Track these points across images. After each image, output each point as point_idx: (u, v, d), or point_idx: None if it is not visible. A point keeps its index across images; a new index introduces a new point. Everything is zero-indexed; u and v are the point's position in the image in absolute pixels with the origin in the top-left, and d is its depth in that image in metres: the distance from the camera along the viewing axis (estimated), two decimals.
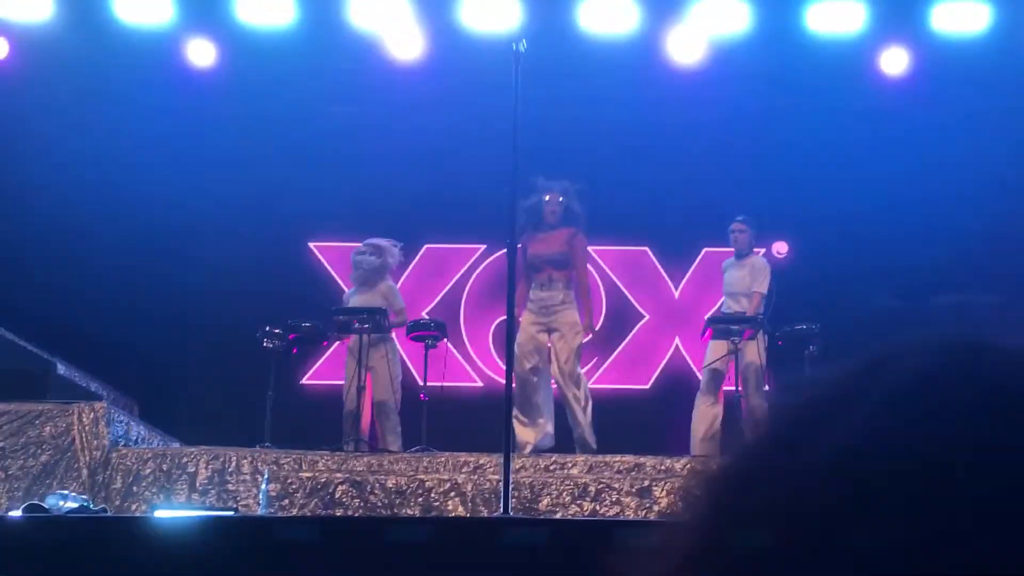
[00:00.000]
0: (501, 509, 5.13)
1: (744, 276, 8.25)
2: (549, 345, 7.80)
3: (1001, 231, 9.65)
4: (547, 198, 7.92)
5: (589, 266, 8.57)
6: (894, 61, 9.97)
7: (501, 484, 5.32)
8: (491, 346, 10.13)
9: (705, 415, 7.97)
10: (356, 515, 6.24)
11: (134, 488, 6.79)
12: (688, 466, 6.81)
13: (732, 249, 8.45)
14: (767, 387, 7.91)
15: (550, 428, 7.74)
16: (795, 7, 9.77)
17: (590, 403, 7.77)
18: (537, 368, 7.76)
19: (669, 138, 10.21)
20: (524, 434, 7.63)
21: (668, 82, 10.09)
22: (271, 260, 9.90)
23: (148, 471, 6.86)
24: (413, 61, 10.05)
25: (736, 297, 8.25)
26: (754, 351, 7.81)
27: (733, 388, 7.94)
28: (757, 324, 7.87)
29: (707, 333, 8.11)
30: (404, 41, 9.98)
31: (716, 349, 7.98)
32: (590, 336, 7.95)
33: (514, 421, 7.39)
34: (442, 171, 10.20)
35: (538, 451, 7.45)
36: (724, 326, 7.90)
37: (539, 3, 9.74)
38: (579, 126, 10.11)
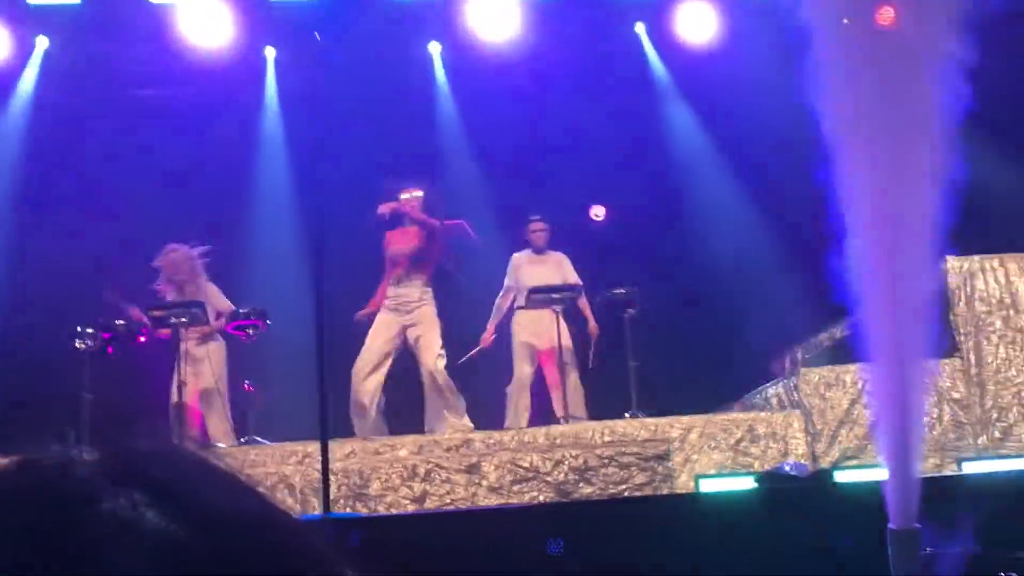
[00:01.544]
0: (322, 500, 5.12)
1: (548, 271, 8.36)
2: (401, 343, 7.82)
3: (803, 185, 10.05)
4: (404, 196, 7.92)
5: None
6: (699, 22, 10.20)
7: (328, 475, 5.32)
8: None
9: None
10: None
11: None
12: (516, 438, 6.91)
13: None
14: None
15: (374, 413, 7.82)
16: None
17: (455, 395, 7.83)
18: (376, 361, 7.79)
19: (480, 106, 10.26)
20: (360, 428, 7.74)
21: (475, 52, 10.13)
22: (80, 255, 9.49)
23: None
24: (220, 43, 9.79)
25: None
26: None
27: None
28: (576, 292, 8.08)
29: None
30: (205, 21, 9.70)
31: (537, 320, 8.16)
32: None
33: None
34: (251, 152, 10.05)
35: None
36: (545, 296, 8.02)
37: None
38: (389, 100, 10.07)
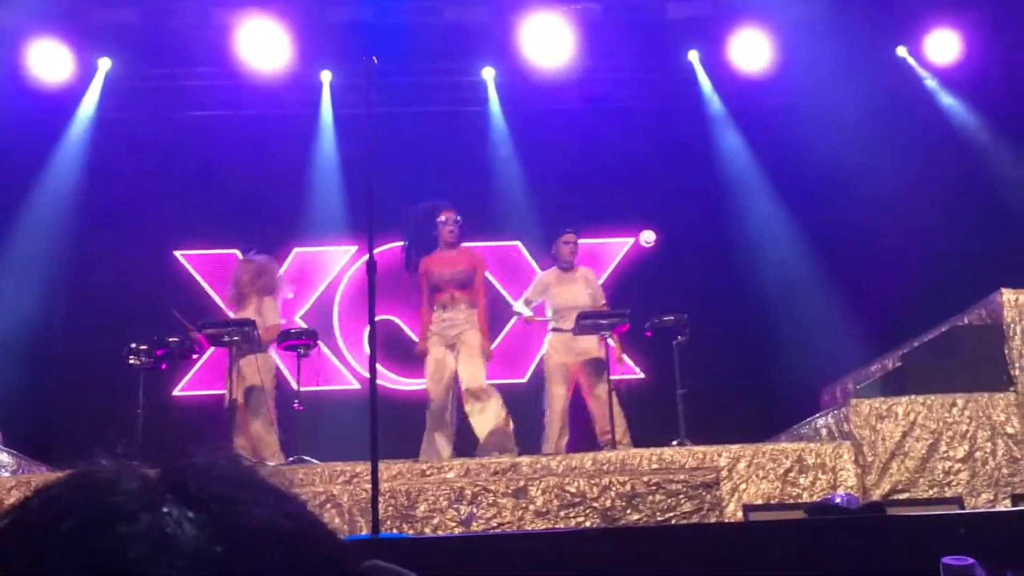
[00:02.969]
0: (371, 520, 5.14)
1: (578, 290, 8.29)
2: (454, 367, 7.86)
3: (856, 214, 10.01)
4: (443, 217, 7.95)
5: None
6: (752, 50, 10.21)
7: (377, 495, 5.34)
8: (366, 347, 10.09)
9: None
10: None
11: None
12: (563, 463, 6.90)
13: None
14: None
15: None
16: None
17: (501, 412, 7.74)
18: (445, 398, 7.83)
19: (533, 132, 10.34)
20: (441, 447, 7.77)
21: (529, 77, 10.20)
22: (135, 271, 9.66)
23: (13, 500, 6.64)
24: (275, 65, 9.94)
25: (568, 311, 8.15)
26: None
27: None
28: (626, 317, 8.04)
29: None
30: (264, 45, 9.86)
31: (572, 339, 8.14)
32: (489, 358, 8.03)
33: (433, 435, 7.72)
34: (306, 173, 10.17)
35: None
36: (593, 321, 8.00)
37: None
38: (442, 124, 10.16)
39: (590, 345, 8.10)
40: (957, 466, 6.83)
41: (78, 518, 0.66)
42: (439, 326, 7.87)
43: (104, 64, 10.05)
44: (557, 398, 8.18)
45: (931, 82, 10.29)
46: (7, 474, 7.20)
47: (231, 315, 8.26)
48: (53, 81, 9.87)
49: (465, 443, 7.95)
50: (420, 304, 8.03)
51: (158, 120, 9.96)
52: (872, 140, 9.94)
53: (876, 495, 6.65)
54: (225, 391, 7.80)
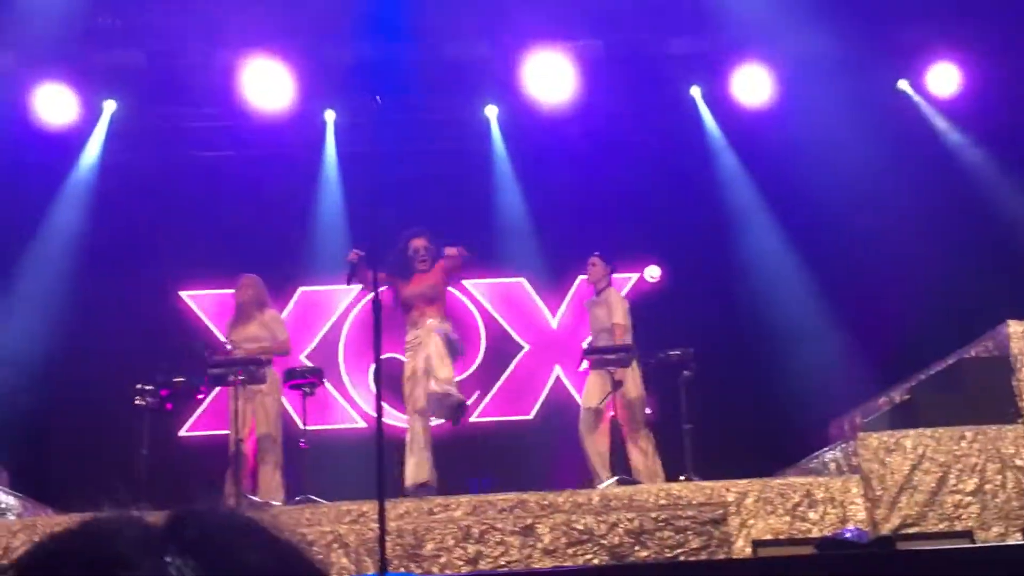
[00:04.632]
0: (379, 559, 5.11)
1: (603, 312, 8.34)
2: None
3: (861, 248, 10.00)
4: (413, 246, 7.95)
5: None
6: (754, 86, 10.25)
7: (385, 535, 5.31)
8: (372, 386, 10.07)
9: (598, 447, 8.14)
10: None
11: (3, 562, 6.53)
12: (570, 500, 6.87)
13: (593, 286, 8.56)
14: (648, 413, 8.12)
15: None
16: (648, 33, 10.01)
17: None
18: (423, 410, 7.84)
19: (536, 168, 10.36)
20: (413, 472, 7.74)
21: (531, 114, 10.23)
22: (140, 311, 9.67)
23: (18, 544, 6.61)
24: (279, 105, 10.00)
25: (599, 334, 8.27)
26: (631, 382, 7.96)
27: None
28: (631, 353, 7.99)
29: (587, 364, 8.21)
30: (268, 85, 9.91)
31: (595, 383, 8.10)
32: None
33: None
34: (311, 212, 10.20)
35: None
36: (599, 356, 7.99)
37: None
38: (445, 161, 10.19)
39: (627, 385, 7.98)
40: (967, 499, 6.77)
41: (82, 566, 0.69)
42: (410, 345, 7.90)
43: (109, 106, 10.12)
44: (589, 443, 8.09)
45: (934, 115, 10.32)
46: (13, 517, 7.17)
47: (229, 346, 8.26)
48: (59, 122, 9.93)
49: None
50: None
51: (163, 160, 10.00)
52: (876, 173, 9.95)
53: (886, 529, 6.60)
54: (230, 431, 7.77)
